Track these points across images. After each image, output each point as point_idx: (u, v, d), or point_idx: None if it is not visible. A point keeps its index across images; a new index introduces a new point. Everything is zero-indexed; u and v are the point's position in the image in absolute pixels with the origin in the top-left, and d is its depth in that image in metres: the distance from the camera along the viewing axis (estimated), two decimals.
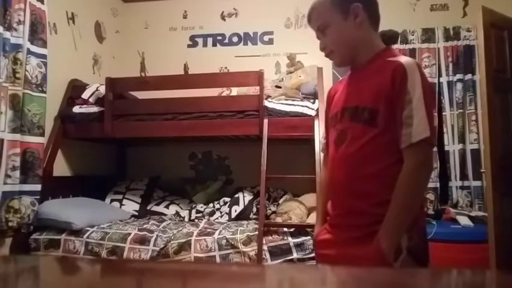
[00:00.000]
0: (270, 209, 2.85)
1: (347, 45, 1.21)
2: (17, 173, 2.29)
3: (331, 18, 1.19)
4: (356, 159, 1.14)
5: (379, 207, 1.08)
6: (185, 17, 3.80)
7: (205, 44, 3.74)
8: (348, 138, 1.16)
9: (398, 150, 1.09)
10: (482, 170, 2.76)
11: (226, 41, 3.71)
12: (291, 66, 3.24)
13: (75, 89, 3.00)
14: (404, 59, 1.14)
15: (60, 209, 2.51)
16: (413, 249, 1.07)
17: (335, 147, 1.23)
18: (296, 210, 2.52)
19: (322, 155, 1.46)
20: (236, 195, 3.03)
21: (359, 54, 1.21)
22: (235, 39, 3.70)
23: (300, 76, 3.06)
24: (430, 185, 2.92)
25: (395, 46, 1.33)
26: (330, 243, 1.21)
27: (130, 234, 2.37)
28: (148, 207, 3.09)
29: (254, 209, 2.88)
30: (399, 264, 1.04)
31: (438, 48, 3.20)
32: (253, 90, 2.85)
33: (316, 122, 2.57)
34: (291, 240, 2.25)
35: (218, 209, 3.00)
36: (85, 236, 2.37)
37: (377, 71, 1.15)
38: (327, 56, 1.26)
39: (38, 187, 2.41)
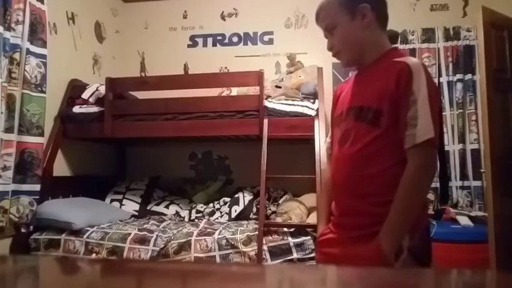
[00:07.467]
0: (270, 209, 2.85)
1: (354, 46, 1.21)
2: (10, 173, 2.27)
3: (338, 18, 1.19)
4: (358, 158, 1.14)
5: (381, 208, 1.08)
6: (185, 17, 3.80)
7: (205, 44, 3.74)
8: (352, 138, 1.16)
9: (401, 151, 1.08)
10: (482, 170, 2.76)
11: (226, 41, 3.71)
12: (291, 66, 3.24)
13: (75, 89, 3.00)
14: (409, 60, 1.13)
15: (60, 209, 2.51)
16: (414, 249, 1.07)
17: (338, 147, 1.23)
18: (296, 210, 2.52)
19: (325, 154, 1.46)
20: (236, 195, 3.03)
21: (366, 54, 1.21)
22: (235, 39, 3.70)
23: (300, 76, 3.06)
24: None
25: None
26: (333, 242, 1.21)
27: (130, 234, 2.38)
28: (148, 207, 3.09)
29: (254, 209, 2.87)
30: (401, 264, 1.04)
31: (438, 48, 3.19)
32: (253, 90, 2.85)
33: (316, 122, 2.57)
34: (291, 240, 2.24)
35: (218, 209, 3.00)
36: (85, 236, 2.38)
37: (383, 72, 1.15)
38: (334, 55, 1.25)
39: (37, 187, 2.41)
